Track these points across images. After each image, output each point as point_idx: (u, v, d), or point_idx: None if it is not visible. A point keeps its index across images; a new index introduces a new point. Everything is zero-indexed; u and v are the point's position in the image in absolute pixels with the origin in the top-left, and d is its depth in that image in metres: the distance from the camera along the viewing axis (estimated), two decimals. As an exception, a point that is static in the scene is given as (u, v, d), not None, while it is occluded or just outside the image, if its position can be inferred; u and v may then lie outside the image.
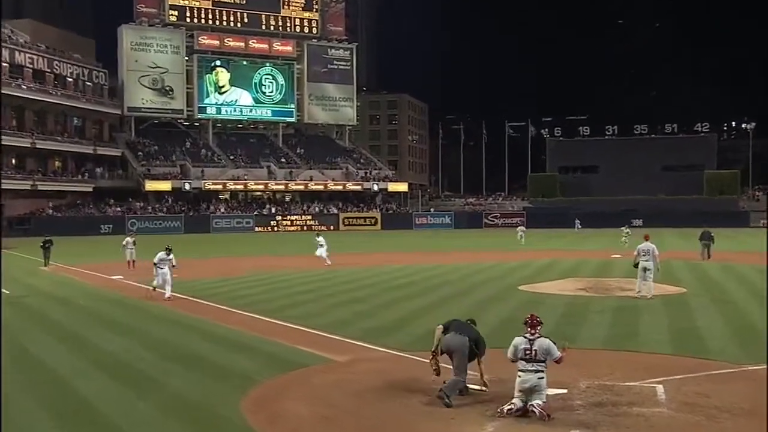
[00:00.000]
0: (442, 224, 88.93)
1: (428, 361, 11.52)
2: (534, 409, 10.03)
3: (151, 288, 23.89)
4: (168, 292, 23.22)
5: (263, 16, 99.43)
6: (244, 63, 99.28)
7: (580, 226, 70.69)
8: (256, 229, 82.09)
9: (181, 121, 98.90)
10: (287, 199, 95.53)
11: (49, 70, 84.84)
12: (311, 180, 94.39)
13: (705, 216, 57.55)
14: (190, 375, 13.00)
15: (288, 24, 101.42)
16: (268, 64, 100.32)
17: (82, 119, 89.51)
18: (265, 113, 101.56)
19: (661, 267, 23.59)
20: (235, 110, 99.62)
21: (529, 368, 10.25)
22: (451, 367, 11.27)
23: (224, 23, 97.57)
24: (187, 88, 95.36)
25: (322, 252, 35.39)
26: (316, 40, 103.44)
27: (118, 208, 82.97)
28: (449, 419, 10.17)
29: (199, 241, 59.26)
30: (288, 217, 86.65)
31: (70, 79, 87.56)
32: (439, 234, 75.21)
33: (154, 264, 23.79)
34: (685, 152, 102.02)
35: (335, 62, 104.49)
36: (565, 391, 11.36)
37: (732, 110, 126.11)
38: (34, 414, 10.71)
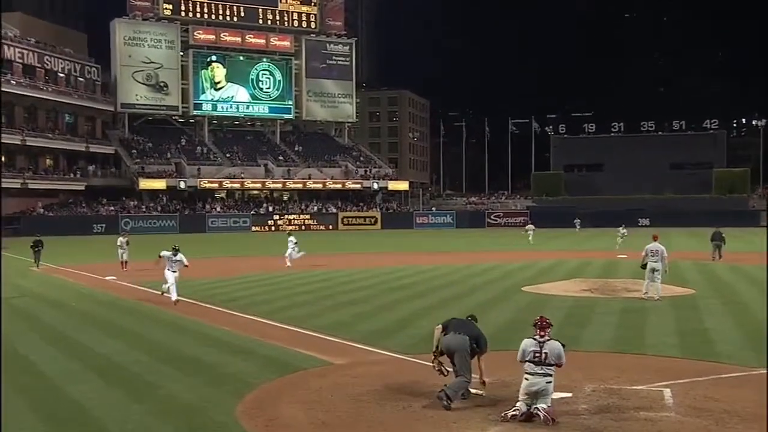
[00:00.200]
0: (443, 224, 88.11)
1: (431, 363, 11.32)
2: (539, 413, 9.84)
3: (164, 294, 22.71)
4: (174, 295, 22.20)
5: (260, 10, 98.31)
6: (241, 58, 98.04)
7: (579, 226, 69.01)
8: (253, 228, 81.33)
9: (176, 117, 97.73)
10: (285, 198, 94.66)
11: (39, 65, 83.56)
12: (309, 178, 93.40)
13: (714, 215, 56.67)
14: (185, 378, 12.87)
15: (286, 18, 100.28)
16: (265, 60, 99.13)
17: (74, 116, 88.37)
18: (262, 110, 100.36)
19: (669, 268, 23.28)
20: (231, 107, 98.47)
21: (538, 371, 10.05)
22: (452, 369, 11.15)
23: (220, 17, 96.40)
24: (182, 83, 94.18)
25: (291, 252, 34.79)
26: (314, 35, 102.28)
27: (112, 207, 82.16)
28: (451, 423, 10.00)
29: (195, 241, 58.70)
30: (286, 216, 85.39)
31: (61, 75, 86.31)
32: (441, 234, 74.62)
33: (160, 256, 23.01)
34: (694, 149, 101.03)
35: (334, 57, 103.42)
36: (570, 394, 11.18)
37: (742, 106, 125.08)
38: (25, 418, 10.59)
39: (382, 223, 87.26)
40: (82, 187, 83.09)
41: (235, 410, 10.76)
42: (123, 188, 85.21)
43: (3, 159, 77.43)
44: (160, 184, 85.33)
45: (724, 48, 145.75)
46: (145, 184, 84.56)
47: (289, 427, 10.19)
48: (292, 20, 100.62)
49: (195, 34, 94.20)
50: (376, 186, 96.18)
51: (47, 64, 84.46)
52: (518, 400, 10.14)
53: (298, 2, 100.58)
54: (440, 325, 11.34)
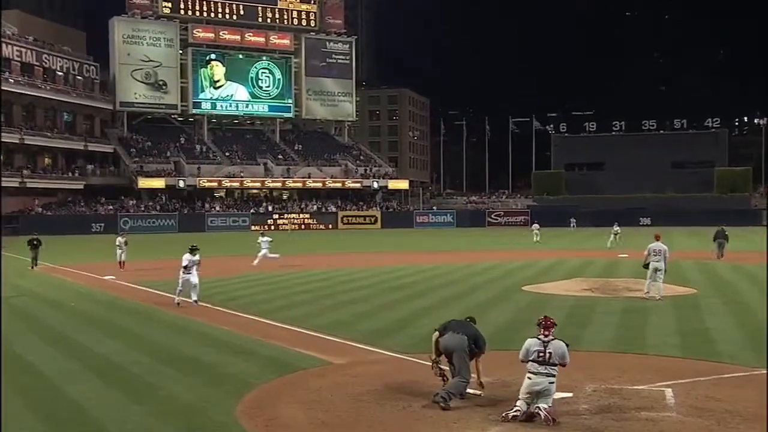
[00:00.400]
0: (443, 223, 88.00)
1: (430, 366, 11.23)
2: (540, 412, 9.79)
3: (176, 302, 21.55)
4: (194, 295, 21.47)
5: (259, 8, 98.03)
6: (240, 57, 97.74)
7: (575, 226, 68.54)
8: (253, 227, 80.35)
9: (175, 116, 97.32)
10: (284, 197, 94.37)
11: (37, 64, 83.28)
12: (309, 177, 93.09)
13: (716, 214, 56.46)
14: (184, 378, 12.81)
15: (285, 16, 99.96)
16: (264, 58, 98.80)
17: (73, 114, 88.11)
18: (261, 108, 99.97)
19: (669, 267, 23.07)
20: (230, 105, 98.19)
21: (541, 371, 10.00)
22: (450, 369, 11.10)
23: (219, 15, 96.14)
24: (181, 82, 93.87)
25: (264, 252, 34.14)
26: (314, 33, 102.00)
27: (110, 206, 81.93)
28: (451, 424, 9.96)
29: (194, 240, 57.36)
30: (285, 215, 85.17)
31: (59, 73, 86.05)
32: (441, 233, 74.48)
33: (184, 267, 21.54)
34: (695, 148, 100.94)
35: (334, 56, 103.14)
36: (570, 394, 11.13)
37: (744, 105, 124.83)
38: (24, 418, 10.53)
39: (382, 222, 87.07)
40: (81, 186, 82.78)
41: (235, 410, 10.72)
42: (122, 187, 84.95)
43: (1, 158, 77.29)
44: (159, 183, 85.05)
45: (725, 46, 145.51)
46: (144, 183, 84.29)
47: (289, 426, 10.18)
48: (292, 18, 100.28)
49: (194, 32, 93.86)
50: (376, 185, 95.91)
51: (46, 63, 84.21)
52: (518, 399, 10.10)
53: (298, 0, 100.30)
54: (437, 331, 11.28)
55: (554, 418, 9.77)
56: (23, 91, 79.36)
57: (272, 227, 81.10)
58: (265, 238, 34.83)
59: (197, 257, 21.67)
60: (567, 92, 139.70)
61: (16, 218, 70.57)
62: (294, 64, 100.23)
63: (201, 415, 10.58)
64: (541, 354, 10.03)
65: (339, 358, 14.49)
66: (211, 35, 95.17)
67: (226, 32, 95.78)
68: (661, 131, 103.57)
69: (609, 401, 10.91)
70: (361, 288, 26.15)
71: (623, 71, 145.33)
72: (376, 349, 15.28)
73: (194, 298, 21.42)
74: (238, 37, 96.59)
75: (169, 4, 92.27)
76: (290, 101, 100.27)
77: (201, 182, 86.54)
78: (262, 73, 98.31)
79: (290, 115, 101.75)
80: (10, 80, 77.91)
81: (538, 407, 9.85)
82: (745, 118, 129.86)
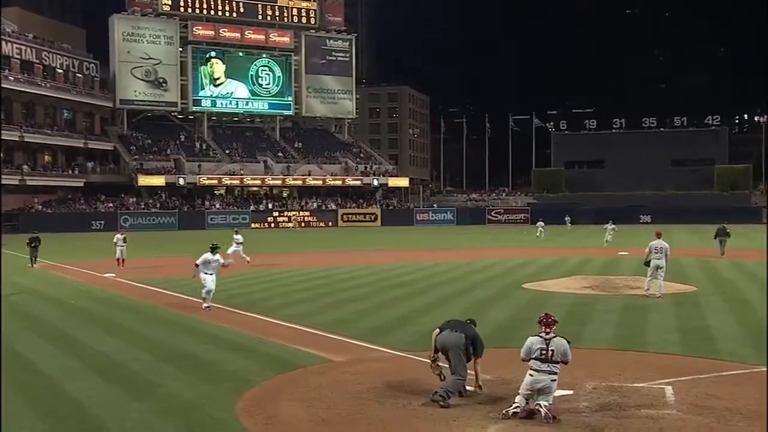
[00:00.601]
0: (444, 220, 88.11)
1: (430, 365, 11.19)
2: (540, 409, 9.79)
3: (205, 306, 20.23)
4: (208, 301, 20.36)
5: (259, 5, 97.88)
6: (240, 54, 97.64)
7: (570, 224, 68.45)
8: (252, 225, 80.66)
9: (175, 114, 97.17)
10: (284, 194, 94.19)
11: (37, 61, 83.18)
12: (309, 175, 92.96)
13: (716, 212, 56.75)
14: (184, 376, 12.79)
15: (285, 14, 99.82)
16: (264, 56, 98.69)
17: (73, 112, 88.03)
18: (261, 106, 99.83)
19: (669, 265, 23.05)
20: (230, 103, 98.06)
21: (543, 368, 9.99)
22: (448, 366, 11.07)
23: (219, 13, 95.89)
24: (181, 80, 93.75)
25: (238, 249, 33.59)
26: (314, 31, 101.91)
27: (110, 204, 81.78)
28: (451, 421, 9.96)
29: (194, 237, 58.37)
30: (285, 213, 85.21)
31: (59, 71, 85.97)
32: (441, 230, 74.43)
33: (196, 265, 20.32)
34: (696, 146, 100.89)
35: (334, 53, 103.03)
36: (571, 392, 11.13)
37: (744, 102, 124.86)
38: (24, 416, 10.52)
39: (382, 219, 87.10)
40: (81, 184, 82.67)
41: (235, 408, 10.71)
42: (122, 185, 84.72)
43: (1, 155, 77.32)
44: (159, 180, 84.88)
45: (725, 44, 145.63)
46: (144, 180, 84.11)
47: (289, 424, 10.16)
48: (292, 16, 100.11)
49: (194, 29, 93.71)
50: (376, 182, 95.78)
51: (45, 60, 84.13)
52: (518, 395, 10.11)
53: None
54: (438, 329, 11.23)
55: (554, 416, 9.76)
56: (23, 89, 79.30)
57: (272, 225, 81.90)
58: (238, 236, 34.37)
59: (218, 257, 20.68)
60: (567, 90, 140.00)
61: (16, 216, 70.60)
62: (294, 61, 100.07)
63: (201, 412, 10.56)
64: (544, 352, 10.03)
65: (339, 356, 14.47)
66: (211, 33, 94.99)
67: (226, 30, 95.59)
68: (662, 129, 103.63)
69: (609, 399, 10.90)
70: (362, 286, 26.08)
71: (623, 69, 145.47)
72: (376, 346, 15.27)
73: (207, 303, 20.45)
74: (238, 35, 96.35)
75: (169, 2, 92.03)
76: (290, 99, 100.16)
77: (201, 180, 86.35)
78: (262, 70, 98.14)
79: (290, 112, 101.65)
80: (10, 78, 77.78)
81: (539, 404, 9.85)
82: (746, 116, 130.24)
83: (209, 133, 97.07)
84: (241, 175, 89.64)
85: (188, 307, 21.07)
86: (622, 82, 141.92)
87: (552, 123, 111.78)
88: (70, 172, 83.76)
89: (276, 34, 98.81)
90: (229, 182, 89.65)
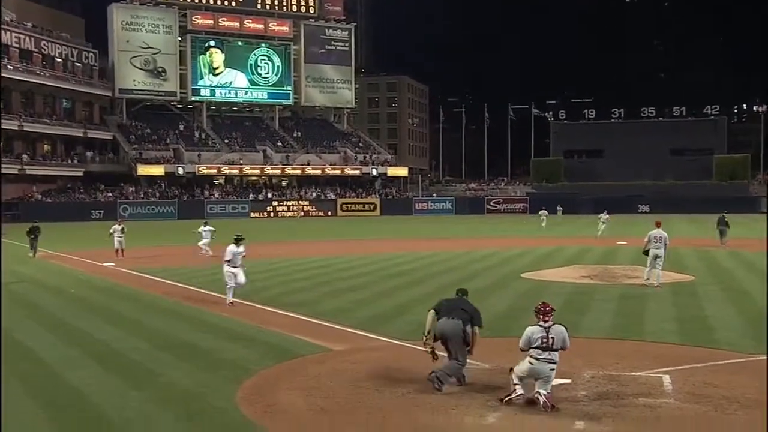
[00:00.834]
0: (442, 210, 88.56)
1: (423, 343, 11.27)
2: (539, 398, 9.85)
3: (229, 302, 19.21)
4: (230, 296, 19.34)
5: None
6: (239, 43, 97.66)
7: (561, 213, 68.21)
8: (252, 214, 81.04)
9: (174, 103, 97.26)
10: (284, 183, 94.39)
11: (36, 50, 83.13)
12: (308, 164, 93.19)
13: (715, 202, 57.36)
14: (184, 365, 12.83)
15: (284, 3, 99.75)
16: (263, 45, 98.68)
17: (72, 101, 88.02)
18: (260, 96, 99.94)
19: (668, 254, 23.10)
20: (229, 92, 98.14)
21: (544, 357, 10.01)
22: (445, 354, 11.07)
23: (218, 2, 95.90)
24: (180, 69, 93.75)
25: (205, 242, 32.88)
26: (313, 20, 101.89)
27: (110, 193, 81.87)
28: (450, 410, 10.04)
29: (193, 227, 57.97)
30: (284, 202, 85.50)
31: (58, 60, 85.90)
32: (440, 220, 74.60)
33: (227, 262, 19.22)
34: (694, 136, 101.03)
35: (333, 43, 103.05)
36: (569, 381, 11.21)
37: (743, 92, 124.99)
38: (23, 404, 10.58)
39: (381, 209, 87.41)
40: (80, 173, 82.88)
41: (235, 396, 10.75)
42: (121, 174, 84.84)
43: (1, 145, 77.44)
44: (158, 170, 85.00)
45: (725, 34, 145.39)
46: (144, 170, 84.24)
47: (288, 412, 10.20)
48: (291, 5, 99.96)
49: (193, 18, 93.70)
50: (375, 172, 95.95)
51: (44, 49, 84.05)
52: (515, 383, 10.17)
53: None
54: (432, 310, 11.23)
55: (553, 404, 9.84)
56: (22, 78, 79.30)
57: (271, 214, 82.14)
58: (207, 228, 33.49)
59: (242, 249, 19.49)
60: (566, 79, 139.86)
61: (16, 205, 70.77)
62: (293, 51, 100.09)
63: (200, 400, 10.62)
64: (545, 340, 10.07)
65: (338, 345, 14.52)
66: (210, 22, 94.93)
67: (225, 19, 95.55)
68: (661, 119, 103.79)
69: (607, 388, 10.98)
70: (360, 275, 26.15)
71: (623, 58, 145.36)
72: (375, 335, 15.32)
73: (231, 298, 19.33)
74: (237, 24, 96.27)
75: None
76: (289, 88, 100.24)
77: (200, 169, 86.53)
78: (261, 60, 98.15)
79: (289, 102, 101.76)
80: (9, 67, 77.77)
81: (538, 392, 9.91)
82: (744, 106, 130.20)
83: (208, 123, 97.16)
84: (241, 164, 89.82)
85: (186, 297, 21.08)
86: (621, 71, 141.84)
87: (551, 112, 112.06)
88: (69, 161, 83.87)
89: (275, 24, 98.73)
90: (228, 172, 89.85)
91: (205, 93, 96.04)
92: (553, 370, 10.06)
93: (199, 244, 32.95)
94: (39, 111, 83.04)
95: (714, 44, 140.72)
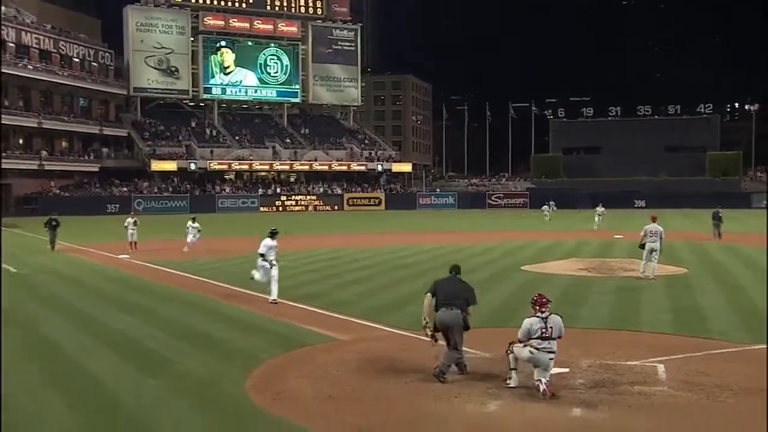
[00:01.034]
0: (445, 204, 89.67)
1: (423, 327, 11.41)
2: (539, 385, 10.09)
3: (271, 300, 18.30)
4: (274, 293, 18.39)
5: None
6: (249, 44, 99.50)
7: (555, 208, 69.14)
8: (261, 209, 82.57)
9: (187, 101, 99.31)
10: (292, 179, 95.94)
11: (55, 51, 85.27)
12: (316, 160, 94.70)
13: (708, 197, 57.92)
14: (197, 353, 12.96)
15: (293, 4, 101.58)
16: (272, 45, 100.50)
17: (89, 99, 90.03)
18: (270, 94, 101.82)
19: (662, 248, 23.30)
20: (240, 91, 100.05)
21: (544, 346, 10.23)
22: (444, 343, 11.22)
23: (229, 3, 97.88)
24: (193, 68, 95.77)
25: (191, 237, 32.67)
26: (320, 21, 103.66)
27: (124, 188, 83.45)
28: (452, 398, 10.17)
29: (205, 220, 58.38)
30: (293, 197, 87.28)
31: (76, 60, 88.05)
32: (443, 214, 75.32)
33: (261, 256, 18.48)
34: (689, 133, 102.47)
35: (340, 43, 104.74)
36: (566, 370, 11.38)
37: (735, 91, 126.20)
38: (40, 392, 10.67)
39: (386, 203, 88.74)
40: (96, 169, 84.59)
41: (245, 384, 10.90)
42: (135, 170, 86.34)
43: (20, 141, 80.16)
44: (171, 165, 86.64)
45: (719, 35, 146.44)
46: (157, 165, 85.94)
47: (296, 399, 10.31)
48: (299, 6, 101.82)
49: (205, 20, 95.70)
50: (380, 168, 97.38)
51: (62, 50, 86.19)
52: (512, 367, 10.53)
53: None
54: (428, 293, 11.40)
55: (552, 392, 10.07)
56: (41, 78, 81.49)
57: (280, 208, 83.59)
58: (195, 224, 32.86)
59: (275, 242, 18.68)
60: (565, 79, 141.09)
61: (35, 199, 72.68)
62: (301, 50, 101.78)
63: (214, 388, 10.74)
64: (544, 330, 10.23)
65: (344, 335, 14.62)
66: (221, 23, 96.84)
67: (235, 20, 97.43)
68: (656, 117, 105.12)
69: (603, 376, 11.15)
70: (366, 267, 26.29)
71: (620, 59, 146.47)
72: (381, 326, 15.46)
73: (274, 295, 18.39)
74: (247, 25, 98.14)
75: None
76: (297, 87, 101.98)
77: (212, 165, 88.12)
78: (271, 59, 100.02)
79: (297, 100, 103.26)
80: (29, 66, 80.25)
81: (539, 380, 10.14)
82: (737, 104, 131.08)
83: (219, 120, 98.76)
84: (250, 160, 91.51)
85: (199, 288, 21.31)
86: (618, 71, 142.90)
87: (550, 111, 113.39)
88: (86, 157, 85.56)
89: (284, 24, 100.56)
90: (238, 167, 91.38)
91: (216, 91, 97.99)
92: (552, 359, 10.25)
93: (193, 240, 32.59)
94: (57, 109, 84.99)
95: (708, 45, 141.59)
